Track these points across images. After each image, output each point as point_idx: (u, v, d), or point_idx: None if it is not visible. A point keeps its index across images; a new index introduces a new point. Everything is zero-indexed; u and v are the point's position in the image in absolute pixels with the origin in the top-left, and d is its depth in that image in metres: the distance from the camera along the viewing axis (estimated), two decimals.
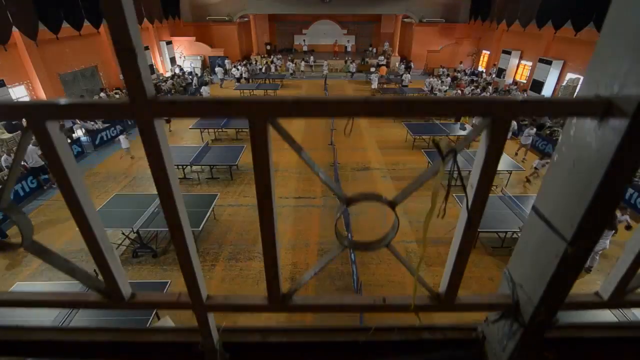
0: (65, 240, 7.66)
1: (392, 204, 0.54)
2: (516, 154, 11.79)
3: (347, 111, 0.45)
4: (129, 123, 15.72)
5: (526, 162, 11.21)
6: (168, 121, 13.77)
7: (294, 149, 0.49)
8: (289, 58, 26.10)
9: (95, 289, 0.65)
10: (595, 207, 0.49)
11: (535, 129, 11.84)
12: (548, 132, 12.91)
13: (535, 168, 10.36)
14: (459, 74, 22.70)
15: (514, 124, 11.54)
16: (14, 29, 10.94)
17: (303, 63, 24.92)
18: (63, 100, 0.45)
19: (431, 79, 19.27)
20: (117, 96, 16.19)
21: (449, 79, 20.57)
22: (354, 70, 24.10)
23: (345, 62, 25.72)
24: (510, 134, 10.37)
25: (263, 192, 0.51)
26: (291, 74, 24.52)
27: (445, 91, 17.18)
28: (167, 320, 3.32)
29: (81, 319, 4.68)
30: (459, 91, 16.37)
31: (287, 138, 0.48)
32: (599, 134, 0.48)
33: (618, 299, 0.67)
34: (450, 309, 0.66)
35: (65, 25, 12.84)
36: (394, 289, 6.40)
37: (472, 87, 17.50)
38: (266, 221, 0.53)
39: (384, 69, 22.87)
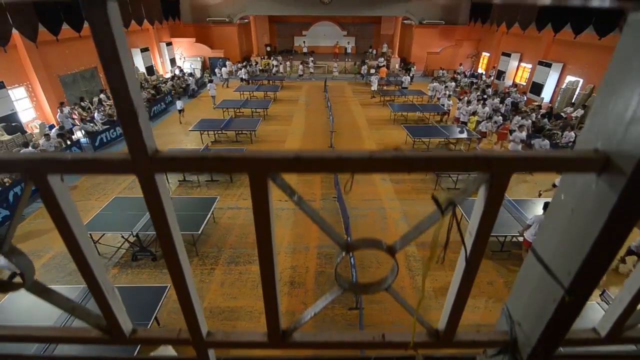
0: (61, 244, 7.64)
1: (392, 251, 0.54)
2: (540, 194, 10.54)
3: (349, 167, 0.46)
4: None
5: (535, 175, 10.49)
6: (181, 111, 14.91)
7: (294, 201, 0.49)
8: (288, 60, 26.11)
9: (96, 327, 0.66)
10: (593, 258, 0.50)
11: (547, 141, 11.18)
12: (547, 134, 12.91)
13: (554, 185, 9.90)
14: (458, 76, 22.72)
15: (523, 134, 11.00)
16: (14, 31, 10.94)
17: (301, 67, 24.93)
18: (64, 155, 0.46)
19: (435, 84, 18.82)
20: None
21: (453, 83, 20.14)
22: (365, 72, 24.11)
23: (355, 63, 25.82)
24: (519, 145, 10.00)
25: (263, 240, 0.51)
26: (300, 75, 24.57)
27: (450, 96, 16.50)
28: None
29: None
30: (465, 98, 16.01)
31: (286, 190, 0.49)
32: (598, 187, 0.48)
33: (616, 336, 0.67)
34: (449, 346, 0.67)
35: (65, 26, 12.85)
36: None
37: (478, 94, 16.90)
38: (266, 267, 0.53)
39: (384, 71, 22.88)
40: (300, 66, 24.67)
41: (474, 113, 14.03)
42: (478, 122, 13.11)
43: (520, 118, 13.33)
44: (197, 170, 0.46)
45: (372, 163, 0.45)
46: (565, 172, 0.49)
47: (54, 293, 0.63)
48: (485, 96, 17.90)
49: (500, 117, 13.49)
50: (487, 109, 14.27)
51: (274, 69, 24.91)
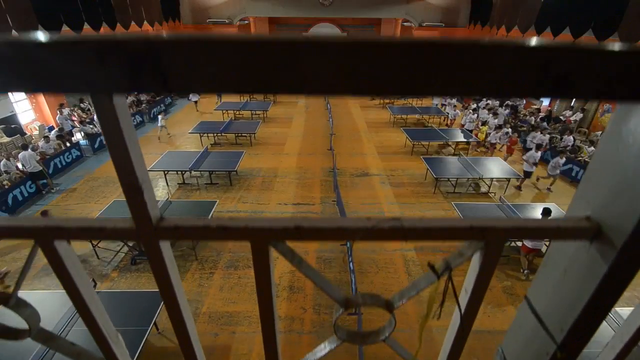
0: None
1: (390, 307, 0.55)
2: (537, 179, 10.44)
3: (348, 236, 0.47)
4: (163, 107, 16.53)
5: (552, 194, 10.06)
6: (196, 102, 15.10)
7: (294, 264, 0.50)
8: None
9: None
10: (585, 318, 0.51)
11: (565, 158, 10.20)
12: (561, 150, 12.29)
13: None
14: None
15: (538, 155, 9.79)
16: (13, 32, 10.94)
17: None
18: (71, 223, 0.47)
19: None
20: None
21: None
22: None
23: None
24: (533, 166, 9.56)
25: (264, 308, 0.52)
26: None
27: (455, 105, 15.78)
28: None
29: None
30: (472, 106, 15.66)
31: (287, 256, 0.50)
32: (589, 255, 0.49)
33: None
34: None
35: (65, 28, 12.84)
36: None
37: (487, 103, 16.01)
38: (268, 336, 0.55)
39: None
40: None
41: (484, 123, 13.54)
42: (488, 134, 12.60)
43: (539, 134, 11.73)
44: (200, 239, 0.47)
45: (372, 233, 0.47)
46: (558, 239, 0.50)
47: (59, 339, 0.64)
48: (495, 105, 17.84)
49: (510, 129, 12.47)
50: (497, 120, 13.43)
51: None
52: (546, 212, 6.51)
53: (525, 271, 6.92)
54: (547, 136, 11.73)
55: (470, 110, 14.62)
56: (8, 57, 0.30)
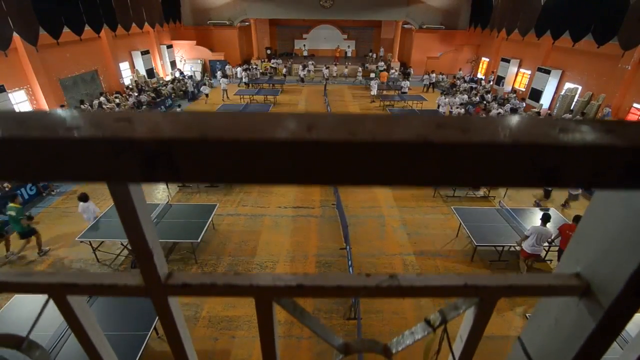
0: (63, 247, 7.66)
1: (388, 353, 0.58)
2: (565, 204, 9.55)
3: (347, 294, 0.49)
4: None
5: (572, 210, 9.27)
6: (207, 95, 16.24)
7: (295, 316, 0.53)
8: (288, 63, 26.16)
9: None
10: None
11: None
12: None
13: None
14: (458, 81, 22.80)
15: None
16: (14, 34, 10.97)
17: (302, 72, 25.06)
18: (83, 278, 0.49)
19: (447, 99, 16.74)
20: (117, 100, 16.19)
21: (465, 96, 18.26)
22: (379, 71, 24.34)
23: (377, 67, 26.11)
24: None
25: (267, 356, 0.55)
26: (301, 79, 24.78)
27: (461, 113, 15.06)
28: None
29: None
30: (482, 115, 14.96)
31: (289, 309, 0.52)
32: (578, 310, 0.52)
33: None
34: None
35: (65, 29, 12.88)
36: (391, 302, 6.44)
37: (499, 112, 14.80)
38: None
39: (384, 75, 22.93)
40: (302, 70, 24.79)
41: None
42: None
43: None
44: (207, 295, 0.50)
45: (371, 291, 0.49)
46: (549, 296, 0.52)
47: None
48: (484, 102, 17.93)
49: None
50: None
51: (285, 71, 24.93)
52: (545, 217, 6.52)
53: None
54: None
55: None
56: (36, 154, 0.32)
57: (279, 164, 0.33)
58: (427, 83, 22.69)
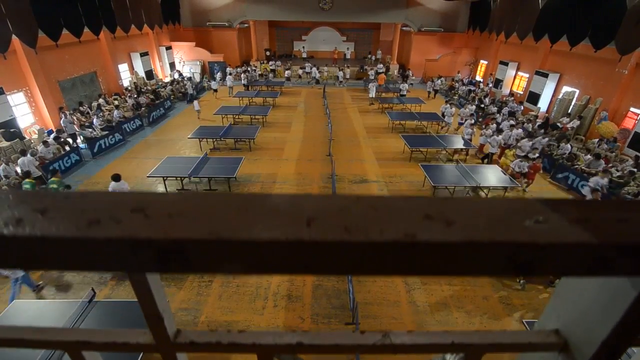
0: None
1: None
2: None
3: (346, 351, 0.53)
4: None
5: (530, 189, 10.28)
6: (198, 111, 16.59)
7: None
8: (287, 65, 26.20)
9: None
10: None
11: (607, 179, 9.12)
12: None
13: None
14: (457, 84, 22.89)
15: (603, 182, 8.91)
16: (13, 37, 10.96)
17: (301, 71, 25.19)
18: (97, 336, 0.53)
19: (453, 109, 15.70)
20: (116, 102, 16.19)
21: (473, 107, 16.58)
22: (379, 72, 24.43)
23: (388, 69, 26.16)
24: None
25: None
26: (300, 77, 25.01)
27: (473, 124, 13.42)
28: None
29: None
30: (493, 126, 13.17)
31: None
32: None
33: None
34: None
35: (64, 31, 12.87)
36: (389, 307, 6.49)
37: (511, 123, 13.12)
38: None
39: (382, 78, 22.97)
40: (300, 71, 24.92)
41: (509, 146, 11.99)
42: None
43: (598, 178, 9.15)
44: (213, 352, 0.53)
45: (365, 348, 0.53)
46: (531, 352, 0.56)
47: None
48: (482, 105, 17.97)
49: (537, 154, 10.80)
50: (530, 143, 11.54)
51: (287, 73, 24.94)
52: None
53: (521, 281, 7.00)
54: (606, 180, 9.25)
55: (491, 131, 12.46)
56: (65, 249, 0.36)
57: (280, 259, 0.37)
58: (431, 90, 21.46)
